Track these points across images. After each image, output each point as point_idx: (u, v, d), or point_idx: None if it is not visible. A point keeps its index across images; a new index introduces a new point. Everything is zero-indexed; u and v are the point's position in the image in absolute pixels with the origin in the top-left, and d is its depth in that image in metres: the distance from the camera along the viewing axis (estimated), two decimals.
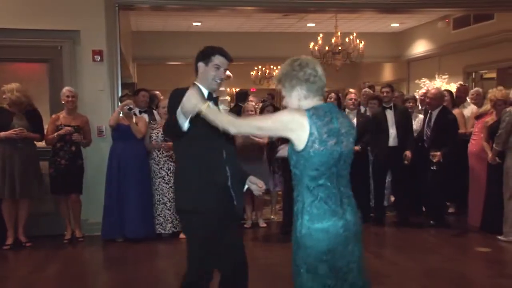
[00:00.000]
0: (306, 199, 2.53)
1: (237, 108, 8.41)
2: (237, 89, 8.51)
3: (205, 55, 3.29)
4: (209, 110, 2.70)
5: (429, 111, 7.12)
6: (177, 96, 3.12)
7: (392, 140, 7.05)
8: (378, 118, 7.19)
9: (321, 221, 2.48)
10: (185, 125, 2.93)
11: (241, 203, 3.48)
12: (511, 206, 6.14)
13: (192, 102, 2.77)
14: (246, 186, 3.38)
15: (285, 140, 2.78)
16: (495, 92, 6.56)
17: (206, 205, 3.17)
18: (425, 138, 7.13)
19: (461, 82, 9.22)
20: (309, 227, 2.48)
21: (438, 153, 6.70)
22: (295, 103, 2.59)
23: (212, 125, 2.71)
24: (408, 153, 6.86)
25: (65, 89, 6.48)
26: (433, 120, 6.97)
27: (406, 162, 6.87)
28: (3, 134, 6.09)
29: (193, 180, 3.21)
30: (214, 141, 3.17)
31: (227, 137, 3.21)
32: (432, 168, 6.83)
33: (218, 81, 3.29)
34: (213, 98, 3.29)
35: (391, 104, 7.17)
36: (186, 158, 3.29)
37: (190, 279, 3.27)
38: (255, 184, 3.37)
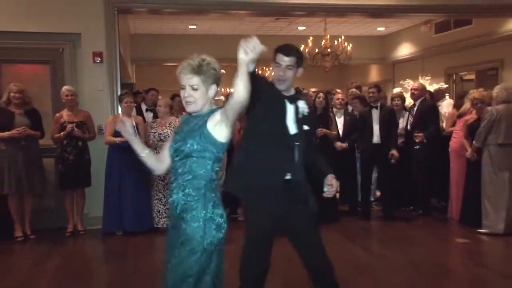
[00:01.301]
0: None
1: None
2: (231, 90, 8.39)
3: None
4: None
5: (414, 102, 7.51)
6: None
7: (376, 137, 7.10)
8: (364, 116, 7.24)
9: None
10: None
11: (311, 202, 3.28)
12: (487, 200, 6.20)
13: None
14: (325, 188, 3.20)
15: None
16: (475, 93, 6.74)
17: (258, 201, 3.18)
18: (408, 126, 7.40)
19: (442, 84, 9.34)
20: None
21: (421, 134, 6.95)
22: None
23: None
24: (394, 153, 6.89)
25: (64, 88, 6.47)
26: (415, 108, 7.36)
27: (393, 161, 6.92)
28: (6, 134, 6.08)
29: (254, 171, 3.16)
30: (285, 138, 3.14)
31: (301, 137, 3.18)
32: (415, 147, 7.10)
33: (278, 79, 3.18)
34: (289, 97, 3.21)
35: (378, 104, 7.21)
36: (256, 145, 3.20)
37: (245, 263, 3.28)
38: (330, 185, 3.21)
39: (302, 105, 3.21)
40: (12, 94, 6.19)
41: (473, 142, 6.36)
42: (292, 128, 3.16)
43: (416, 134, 7.11)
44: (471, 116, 6.66)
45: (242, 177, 3.26)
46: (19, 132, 6.10)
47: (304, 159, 3.20)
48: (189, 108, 2.54)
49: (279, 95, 3.19)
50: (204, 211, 2.47)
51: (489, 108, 6.29)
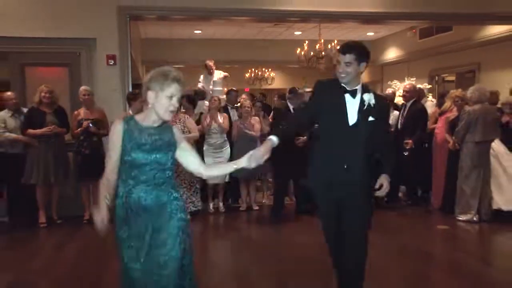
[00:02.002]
0: None
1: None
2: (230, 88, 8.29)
3: None
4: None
5: (405, 103, 7.32)
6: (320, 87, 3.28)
7: None
8: None
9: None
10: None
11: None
12: (462, 190, 6.27)
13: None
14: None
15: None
16: (456, 92, 6.84)
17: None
18: (399, 126, 7.24)
19: (426, 84, 9.41)
20: None
21: (410, 141, 6.80)
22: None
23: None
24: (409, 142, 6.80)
25: (82, 88, 6.51)
26: (406, 109, 7.16)
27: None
28: (39, 131, 6.20)
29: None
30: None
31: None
32: (404, 153, 6.90)
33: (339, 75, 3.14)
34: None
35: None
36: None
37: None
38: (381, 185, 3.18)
39: (367, 97, 3.10)
40: (43, 95, 6.28)
41: (453, 138, 6.42)
42: (353, 119, 3.10)
43: (405, 142, 6.83)
44: (452, 114, 6.71)
45: (314, 172, 3.30)
46: (50, 129, 6.22)
47: (371, 148, 3.16)
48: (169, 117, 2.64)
49: (338, 91, 3.14)
50: None
51: (466, 108, 6.32)
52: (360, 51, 3.12)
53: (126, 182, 2.61)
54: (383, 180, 3.11)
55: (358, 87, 3.13)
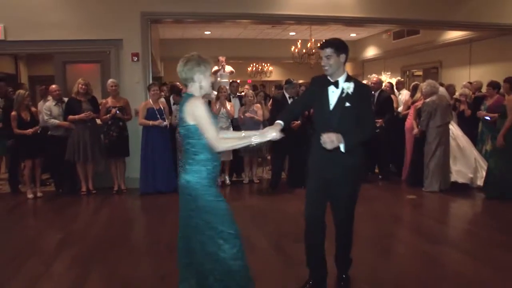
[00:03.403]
0: None
1: None
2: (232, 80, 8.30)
3: None
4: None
5: (374, 93, 7.28)
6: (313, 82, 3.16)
7: None
8: None
9: None
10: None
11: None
12: (429, 167, 6.32)
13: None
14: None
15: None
16: (423, 85, 6.80)
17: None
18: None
19: (399, 78, 9.44)
20: None
21: (380, 120, 6.86)
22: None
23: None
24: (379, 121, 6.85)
25: (110, 81, 6.56)
26: (375, 98, 7.16)
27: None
28: (77, 117, 6.29)
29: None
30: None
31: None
32: (376, 131, 6.91)
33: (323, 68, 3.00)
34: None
35: None
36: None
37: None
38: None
39: (346, 85, 2.97)
40: (80, 86, 6.35)
41: (419, 127, 6.48)
42: (332, 105, 2.99)
43: (376, 120, 6.82)
44: (420, 103, 6.73)
45: (311, 153, 3.17)
46: (86, 115, 6.28)
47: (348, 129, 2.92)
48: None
49: (323, 82, 3.05)
50: None
51: (427, 100, 6.34)
52: (337, 44, 2.99)
53: (215, 156, 2.55)
54: (332, 136, 2.78)
55: (341, 78, 3.00)
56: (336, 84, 3.02)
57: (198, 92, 2.55)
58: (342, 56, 2.99)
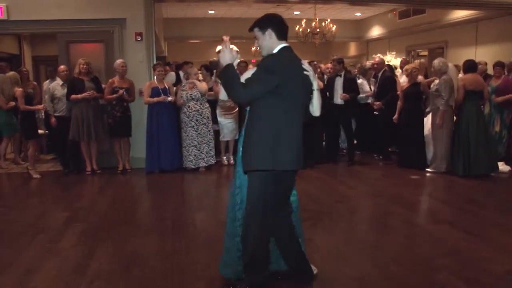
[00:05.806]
0: None
1: None
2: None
3: None
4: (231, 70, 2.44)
5: (377, 74, 7.23)
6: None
7: (337, 99, 6.89)
8: (330, 83, 7.01)
9: None
10: None
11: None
12: (437, 148, 6.22)
13: (226, 57, 2.50)
14: None
15: None
16: (412, 64, 6.84)
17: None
18: (373, 93, 7.27)
19: (404, 57, 9.33)
20: None
21: (379, 102, 6.83)
22: None
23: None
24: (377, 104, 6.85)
25: (120, 61, 6.53)
26: (379, 79, 7.10)
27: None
28: (80, 96, 6.26)
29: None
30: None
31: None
32: (374, 113, 6.98)
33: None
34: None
35: (341, 73, 6.94)
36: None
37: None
38: None
39: None
40: (81, 66, 6.32)
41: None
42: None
43: (374, 103, 6.94)
44: (405, 84, 6.56)
45: None
46: (89, 94, 6.26)
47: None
48: None
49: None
50: None
51: (444, 77, 5.97)
52: (259, 22, 2.65)
53: None
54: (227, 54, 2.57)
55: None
56: None
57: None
58: (267, 34, 2.61)
